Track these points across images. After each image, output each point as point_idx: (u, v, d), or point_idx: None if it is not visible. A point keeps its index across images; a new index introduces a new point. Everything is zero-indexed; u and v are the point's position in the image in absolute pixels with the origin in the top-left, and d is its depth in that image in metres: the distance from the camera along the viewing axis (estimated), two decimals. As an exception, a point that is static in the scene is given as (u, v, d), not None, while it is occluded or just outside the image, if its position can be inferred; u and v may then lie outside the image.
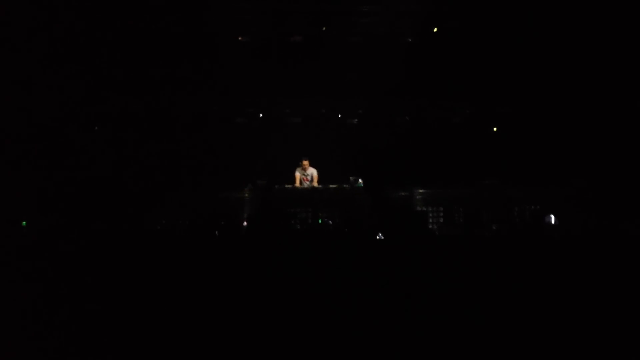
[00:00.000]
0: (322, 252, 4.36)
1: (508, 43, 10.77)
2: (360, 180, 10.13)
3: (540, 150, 11.21)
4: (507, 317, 3.52)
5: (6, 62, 9.55)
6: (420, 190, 10.21)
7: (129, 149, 11.07)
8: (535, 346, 3.30)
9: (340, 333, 3.38)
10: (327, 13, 10.68)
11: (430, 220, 9.89)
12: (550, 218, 8.82)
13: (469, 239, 5.91)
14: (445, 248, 4.70)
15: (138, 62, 10.76)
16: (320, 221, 8.96)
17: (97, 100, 11.03)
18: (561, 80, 11.03)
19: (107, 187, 9.91)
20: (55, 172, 9.95)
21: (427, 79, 11.35)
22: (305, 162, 10.79)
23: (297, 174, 10.80)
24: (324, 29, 11.07)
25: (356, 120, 12.49)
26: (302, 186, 10.65)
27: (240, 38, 11.27)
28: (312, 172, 10.79)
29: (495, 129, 12.15)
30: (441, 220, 9.90)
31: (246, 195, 10.16)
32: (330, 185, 10.41)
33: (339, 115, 12.41)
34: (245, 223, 9.73)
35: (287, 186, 10.51)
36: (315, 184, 10.66)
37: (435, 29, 11.01)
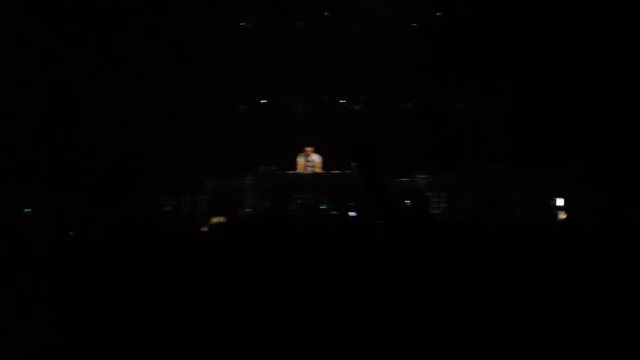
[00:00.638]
0: (324, 241, 4.34)
1: (511, 28, 10.69)
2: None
3: (544, 135, 11.15)
4: (518, 303, 3.49)
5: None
6: (422, 176, 10.18)
7: (130, 136, 11.03)
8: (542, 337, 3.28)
9: (343, 322, 3.36)
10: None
11: (433, 207, 9.87)
12: (556, 201, 8.82)
13: (475, 225, 5.87)
14: (449, 234, 4.68)
15: (138, 49, 10.71)
16: (322, 207, 8.93)
17: (97, 87, 10.99)
18: (564, 66, 10.95)
19: (109, 175, 9.91)
20: (58, 160, 9.96)
21: (431, 65, 11.27)
22: (309, 149, 10.76)
23: (300, 160, 10.77)
24: (327, 14, 10.99)
25: (358, 107, 12.43)
26: (305, 172, 10.62)
27: (242, 24, 11.21)
28: (315, 158, 10.75)
29: (498, 114, 12.08)
30: (443, 207, 9.89)
31: (248, 181, 10.16)
32: (333, 172, 10.39)
33: (341, 101, 12.35)
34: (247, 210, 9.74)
35: (289, 172, 10.50)
36: (319, 170, 10.63)
37: (439, 14, 10.93)
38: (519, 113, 11.68)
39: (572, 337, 3.30)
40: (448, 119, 11.96)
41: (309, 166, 10.72)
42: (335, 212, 7.34)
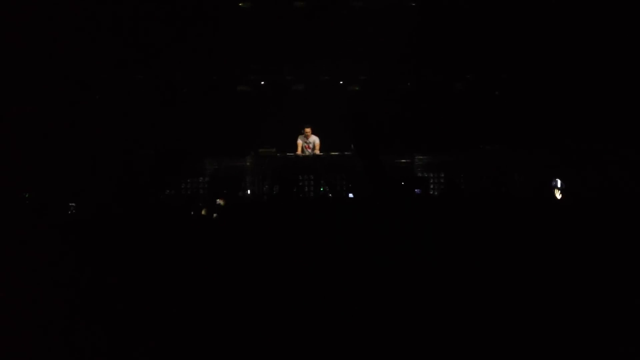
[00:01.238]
0: (323, 221, 4.37)
1: (510, 9, 10.65)
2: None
3: (542, 115, 11.14)
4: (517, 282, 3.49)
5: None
6: (421, 157, 10.20)
7: (131, 118, 11.03)
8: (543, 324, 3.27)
9: (341, 304, 3.38)
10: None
11: (432, 187, 9.91)
12: (557, 182, 8.84)
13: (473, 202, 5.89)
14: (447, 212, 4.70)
15: (138, 30, 10.65)
16: (322, 189, 8.97)
17: (95, 69, 10.96)
18: (563, 44, 10.90)
19: (112, 158, 9.94)
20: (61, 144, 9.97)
21: (430, 45, 11.23)
22: (308, 130, 10.77)
23: (299, 142, 10.79)
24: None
25: (358, 87, 12.39)
26: (304, 154, 10.64)
27: (241, 4, 11.15)
28: (314, 139, 10.77)
29: (497, 93, 12.06)
30: (442, 187, 9.93)
31: (248, 163, 10.18)
32: (332, 153, 10.41)
33: (341, 82, 12.32)
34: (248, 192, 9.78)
35: (289, 154, 10.51)
36: (318, 151, 10.65)
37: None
38: (518, 93, 11.67)
39: (571, 314, 3.30)
40: (447, 99, 11.94)
41: (308, 148, 10.75)
42: (331, 195, 7.39)
